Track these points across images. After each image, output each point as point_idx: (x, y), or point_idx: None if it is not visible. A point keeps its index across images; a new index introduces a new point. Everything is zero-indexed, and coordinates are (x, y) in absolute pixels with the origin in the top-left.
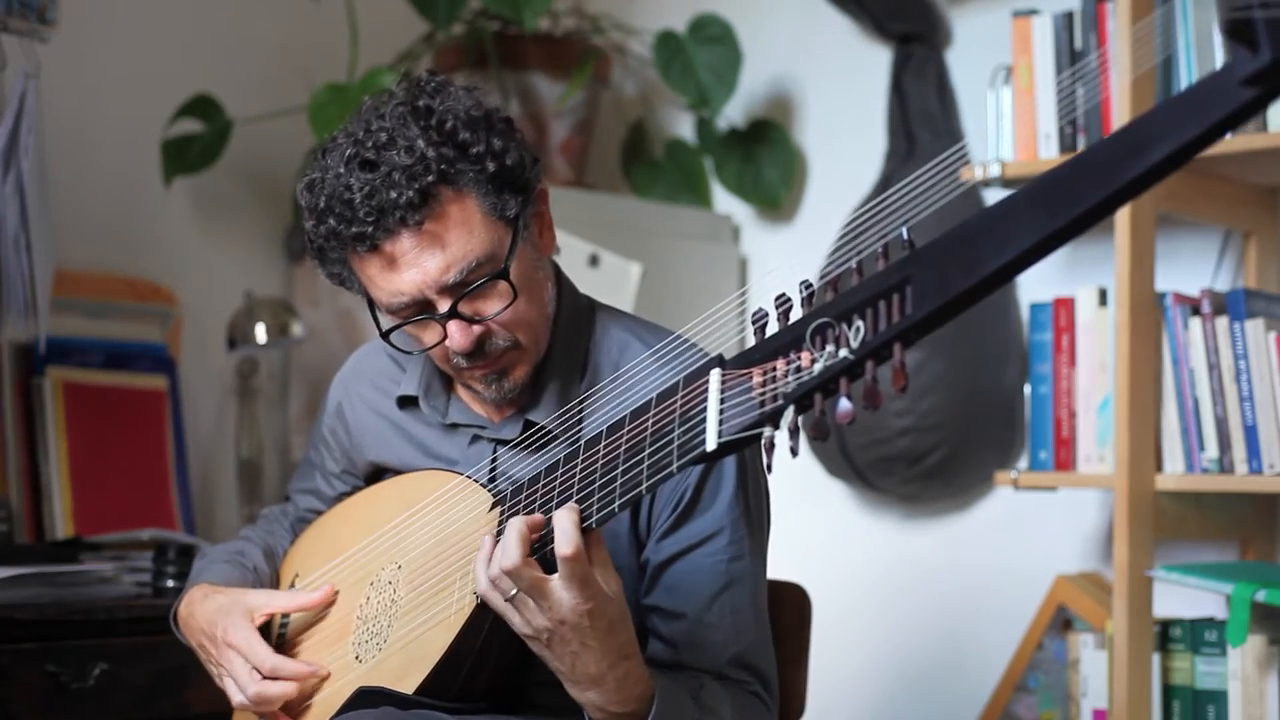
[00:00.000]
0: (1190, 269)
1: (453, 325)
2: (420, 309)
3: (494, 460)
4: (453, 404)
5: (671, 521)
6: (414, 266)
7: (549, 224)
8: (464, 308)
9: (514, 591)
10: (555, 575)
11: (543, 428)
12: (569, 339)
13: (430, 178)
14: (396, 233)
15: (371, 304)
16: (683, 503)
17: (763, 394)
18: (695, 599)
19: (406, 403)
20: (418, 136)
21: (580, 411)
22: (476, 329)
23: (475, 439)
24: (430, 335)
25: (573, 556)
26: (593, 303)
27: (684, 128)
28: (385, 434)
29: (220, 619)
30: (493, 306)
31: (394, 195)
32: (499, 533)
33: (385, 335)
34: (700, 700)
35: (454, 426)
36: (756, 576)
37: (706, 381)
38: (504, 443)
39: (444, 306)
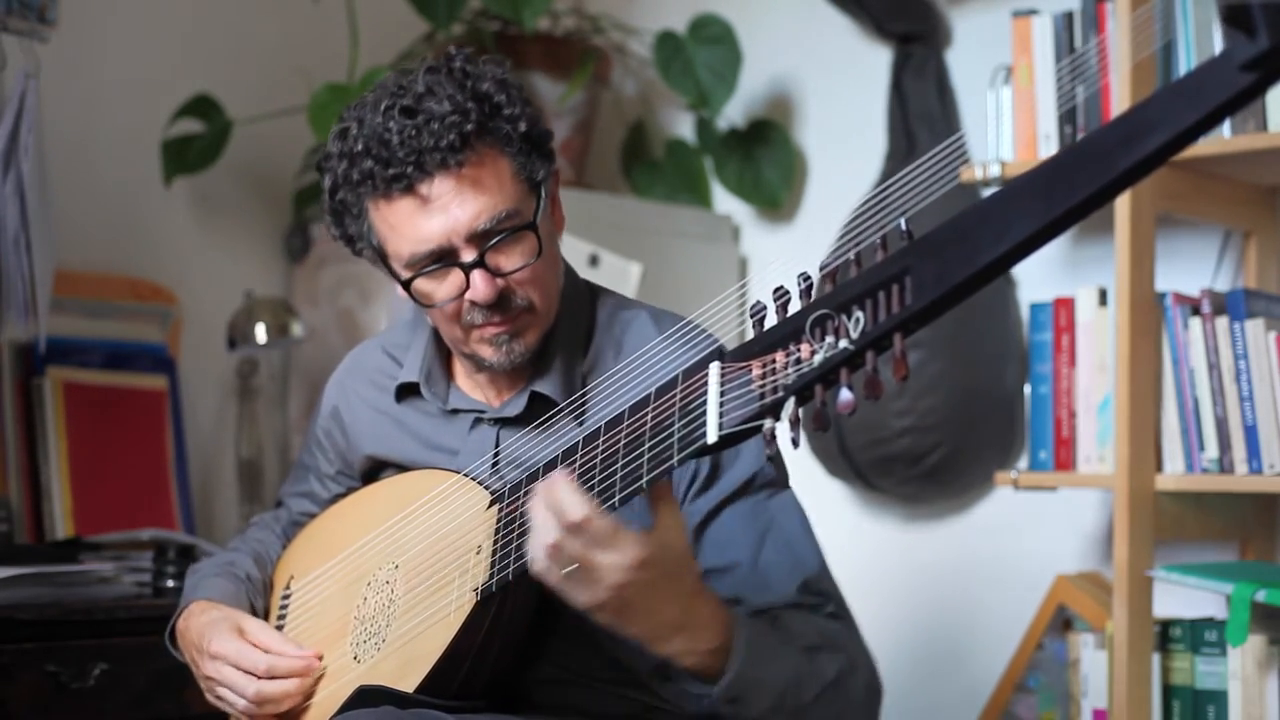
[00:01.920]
0: (1190, 269)
1: (477, 274)
2: (442, 258)
3: (497, 443)
4: (453, 391)
5: (701, 483)
6: (446, 211)
7: (559, 203)
8: (489, 259)
9: (571, 566)
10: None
11: (544, 421)
12: (573, 314)
13: (470, 126)
14: (433, 175)
15: (386, 261)
16: (706, 464)
17: (763, 386)
18: (744, 545)
19: (404, 394)
20: (455, 91)
21: (585, 388)
22: (500, 281)
23: (476, 423)
24: (447, 289)
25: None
26: (590, 284)
27: (684, 128)
28: (384, 429)
29: (208, 631)
30: (516, 261)
31: (434, 140)
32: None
33: (406, 285)
34: (778, 626)
35: (454, 413)
36: (798, 506)
37: (706, 374)
38: (505, 421)
39: (469, 256)
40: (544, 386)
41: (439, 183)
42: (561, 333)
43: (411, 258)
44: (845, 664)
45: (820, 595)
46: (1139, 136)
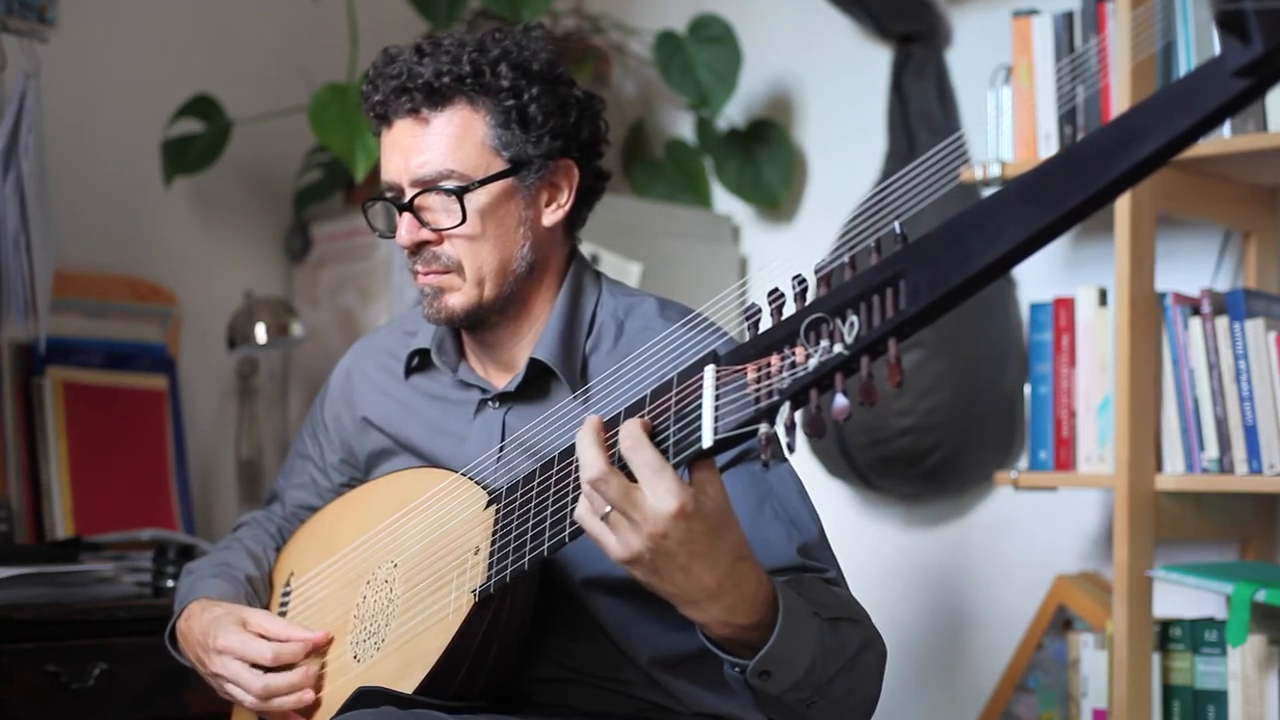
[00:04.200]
0: (1190, 269)
1: (405, 217)
2: (392, 193)
3: (503, 429)
4: (461, 365)
5: None
6: (399, 152)
7: (558, 202)
8: (421, 209)
9: (607, 509)
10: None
11: (555, 413)
12: (575, 297)
13: (447, 80)
14: (401, 116)
15: None
16: None
17: (758, 390)
18: (743, 511)
19: (413, 370)
20: (465, 53)
21: (587, 366)
22: (423, 233)
23: (480, 408)
24: (384, 223)
25: (633, 447)
26: (601, 273)
27: (684, 128)
28: (391, 411)
29: (212, 628)
30: (441, 220)
31: (413, 82)
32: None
33: (366, 202)
34: (804, 595)
35: (463, 387)
36: (796, 477)
37: (701, 377)
38: (508, 398)
39: (406, 199)
40: (540, 352)
41: (400, 126)
42: (564, 312)
43: (381, 185)
44: (864, 637)
45: (820, 562)
46: (1132, 141)
